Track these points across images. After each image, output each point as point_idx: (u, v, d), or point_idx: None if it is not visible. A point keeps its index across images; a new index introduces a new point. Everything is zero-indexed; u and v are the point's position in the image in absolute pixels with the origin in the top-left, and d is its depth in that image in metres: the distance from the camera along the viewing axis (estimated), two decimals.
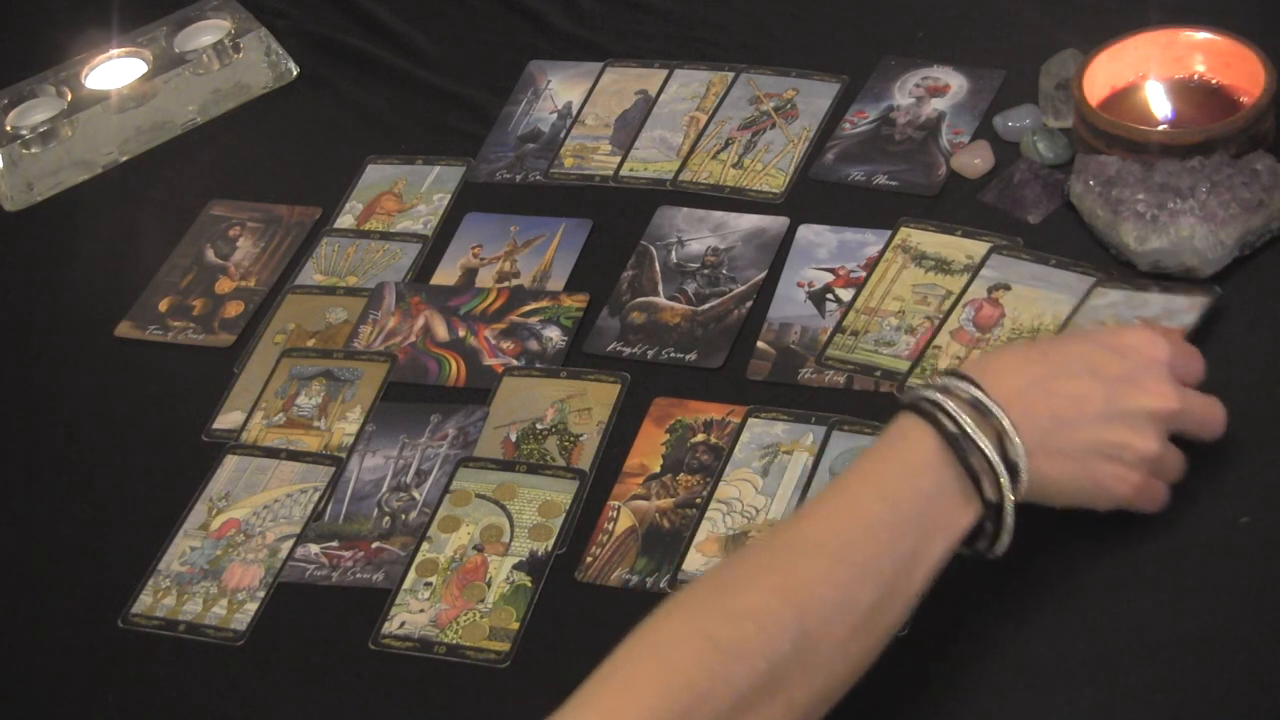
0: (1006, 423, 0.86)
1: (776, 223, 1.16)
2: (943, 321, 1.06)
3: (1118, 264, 1.06)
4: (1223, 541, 0.91)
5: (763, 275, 1.12)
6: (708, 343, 1.09)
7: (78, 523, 1.09)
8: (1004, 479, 0.86)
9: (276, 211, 1.27)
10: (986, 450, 0.86)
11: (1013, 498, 0.86)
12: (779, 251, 1.13)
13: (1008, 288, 1.07)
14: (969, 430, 0.86)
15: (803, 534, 0.85)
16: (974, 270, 1.08)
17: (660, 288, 1.14)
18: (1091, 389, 0.89)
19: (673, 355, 1.09)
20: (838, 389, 1.04)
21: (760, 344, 1.08)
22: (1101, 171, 1.07)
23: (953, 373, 0.89)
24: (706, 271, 1.14)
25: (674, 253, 1.16)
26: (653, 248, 1.17)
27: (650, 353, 1.10)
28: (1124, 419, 0.89)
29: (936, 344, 1.05)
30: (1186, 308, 1.01)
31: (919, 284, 1.08)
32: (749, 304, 1.11)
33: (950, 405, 0.87)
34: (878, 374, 1.04)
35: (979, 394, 0.87)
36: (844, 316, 1.08)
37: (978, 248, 1.09)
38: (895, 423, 0.88)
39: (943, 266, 1.09)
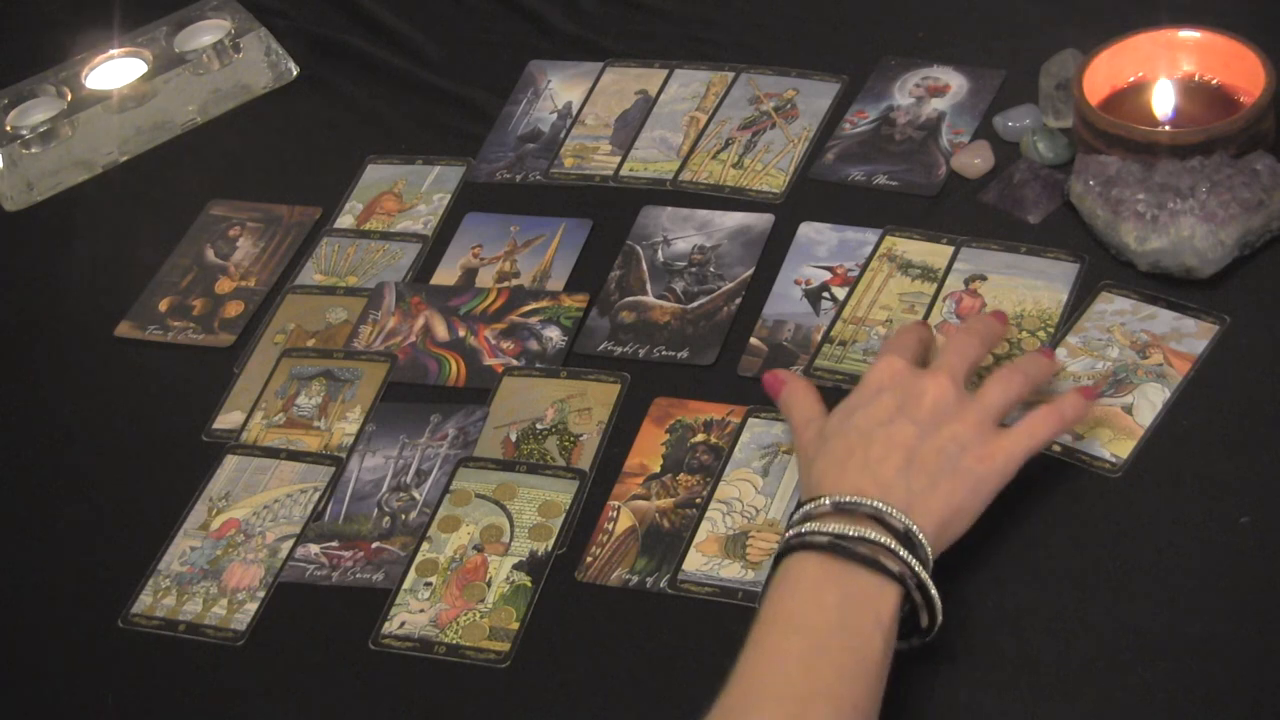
0: (870, 501, 0.88)
1: (762, 220, 1.16)
2: (924, 317, 1.06)
3: (1118, 264, 1.06)
4: (1223, 541, 0.91)
5: (750, 272, 1.12)
6: (699, 340, 1.09)
7: (78, 523, 1.09)
8: (893, 543, 0.87)
9: (276, 211, 1.27)
10: (864, 533, 0.87)
11: (916, 557, 0.87)
12: (768, 248, 1.14)
13: (984, 278, 1.07)
14: (837, 530, 0.87)
15: (742, 693, 0.84)
16: (946, 265, 1.08)
17: (648, 287, 1.14)
18: (891, 422, 0.91)
19: (664, 353, 1.09)
20: (834, 389, 1.04)
21: (753, 340, 1.08)
22: (1101, 171, 1.07)
23: (800, 513, 0.90)
24: (694, 270, 1.14)
25: (660, 252, 1.16)
26: (639, 247, 1.17)
27: (641, 351, 1.10)
28: (930, 420, 0.91)
29: None
30: (1196, 332, 1.01)
31: (906, 293, 1.08)
32: (738, 301, 1.11)
33: (810, 526, 0.88)
34: None
35: (826, 501, 0.89)
36: (831, 326, 1.07)
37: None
38: (774, 574, 0.89)
39: (929, 275, 1.09)
